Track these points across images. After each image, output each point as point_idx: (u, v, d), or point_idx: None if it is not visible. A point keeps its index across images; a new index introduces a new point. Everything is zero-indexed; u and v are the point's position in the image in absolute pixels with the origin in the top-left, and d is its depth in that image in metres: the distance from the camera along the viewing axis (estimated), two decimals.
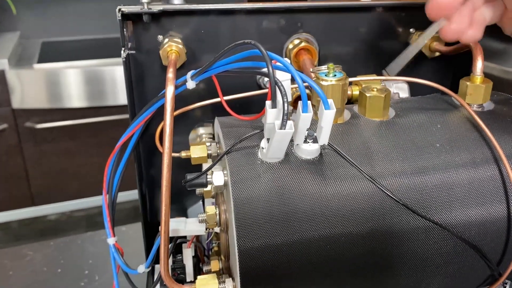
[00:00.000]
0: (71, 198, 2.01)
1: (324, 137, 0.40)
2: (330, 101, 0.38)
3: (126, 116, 2.10)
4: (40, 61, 1.84)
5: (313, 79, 0.43)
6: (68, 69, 1.80)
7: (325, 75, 0.43)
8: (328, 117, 0.38)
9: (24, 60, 1.87)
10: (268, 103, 0.37)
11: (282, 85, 0.36)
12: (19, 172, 1.89)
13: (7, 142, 1.84)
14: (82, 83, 1.83)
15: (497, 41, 2.03)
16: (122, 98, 1.87)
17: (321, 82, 0.42)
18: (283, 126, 0.36)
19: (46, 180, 1.95)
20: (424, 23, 0.56)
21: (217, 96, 0.46)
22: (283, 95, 0.36)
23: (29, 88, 1.80)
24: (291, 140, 0.40)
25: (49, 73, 1.79)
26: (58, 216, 2.06)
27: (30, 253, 0.83)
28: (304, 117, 0.37)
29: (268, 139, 0.39)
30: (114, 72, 1.83)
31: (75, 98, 1.85)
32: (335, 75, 0.43)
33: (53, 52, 1.98)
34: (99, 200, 2.04)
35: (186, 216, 0.63)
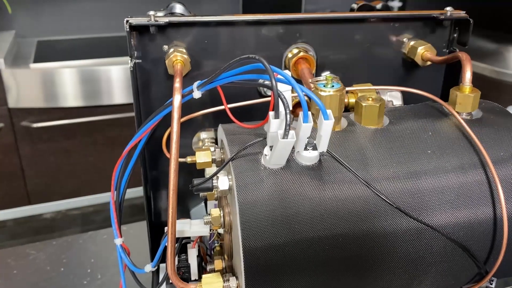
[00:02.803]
0: (67, 196, 2.03)
1: (323, 145, 0.42)
2: (329, 111, 0.40)
3: (122, 115, 2.11)
4: (36, 60, 1.84)
5: (312, 89, 0.46)
6: (64, 69, 1.82)
7: (324, 86, 0.45)
8: (327, 126, 0.40)
9: (20, 59, 1.87)
10: (271, 113, 0.40)
11: (284, 97, 0.39)
12: (15, 171, 1.90)
13: (3, 141, 1.84)
14: (78, 82, 1.85)
15: (489, 42, 2.07)
16: (117, 97, 1.89)
17: (320, 92, 0.45)
18: (285, 135, 0.38)
19: (42, 179, 1.96)
20: (415, 33, 0.59)
21: (220, 103, 0.49)
22: (286, 106, 0.38)
23: (25, 88, 1.81)
24: (292, 147, 0.42)
25: (45, 72, 1.80)
26: (54, 214, 2.07)
27: (33, 253, 0.85)
28: (305, 127, 0.40)
29: (271, 147, 0.42)
30: (110, 72, 1.85)
31: (71, 97, 1.86)
32: (333, 86, 0.45)
33: (48, 51, 1.99)
34: (95, 199, 2.07)
35: (189, 217, 0.65)
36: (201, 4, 2.27)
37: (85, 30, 2.17)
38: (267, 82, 0.40)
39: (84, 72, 1.83)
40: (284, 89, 0.43)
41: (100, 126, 1.92)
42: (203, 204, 0.65)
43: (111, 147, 1.94)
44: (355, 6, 0.68)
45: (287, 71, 0.43)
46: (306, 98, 0.41)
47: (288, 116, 0.38)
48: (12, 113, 1.82)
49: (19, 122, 1.83)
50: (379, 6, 0.67)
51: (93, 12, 2.14)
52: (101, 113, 1.91)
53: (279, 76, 0.41)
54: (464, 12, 0.58)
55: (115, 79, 1.86)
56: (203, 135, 0.61)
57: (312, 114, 0.46)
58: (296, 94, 0.41)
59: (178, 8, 0.62)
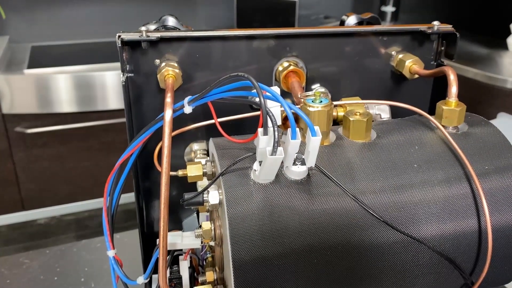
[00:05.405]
0: (61, 202, 2.03)
1: (311, 160, 0.43)
2: (317, 128, 0.41)
3: (116, 120, 2.12)
4: (30, 66, 1.84)
5: (301, 104, 0.47)
6: (58, 74, 1.82)
7: (312, 101, 0.46)
8: (314, 143, 0.41)
9: (14, 65, 1.87)
10: (260, 130, 0.41)
11: (272, 114, 0.40)
12: (9, 176, 1.90)
13: None
14: (72, 88, 1.85)
15: (481, 47, 2.09)
16: (112, 103, 1.89)
17: (308, 108, 0.46)
18: (274, 152, 0.39)
19: (36, 185, 1.96)
20: (403, 46, 0.61)
21: (211, 116, 0.50)
22: (274, 124, 0.39)
23: (19, 93, 1.81)
24: (281, 162, 0.43)
25: (39, 78, 1.80)
26: (48, 220, 2.07)
27: (27, 262, 0.86)
28: (293, 144, 0.40)
29: (260, 162, 0.43)
30: (104, 77, 1.85)
31: (65, 103, 1.86)
32: (321, 101, 0.46)
33: (43, 57, 1.99)
34: (89, 204, 2.07)
35: (181, 227, 0.66)
36: (195, 10, 2.27)
37: (79, 35, 2.17)
38: (256, 99, 0.41)
39: (79, 78, 1.83)
40: (272, 105, 0.44)
41: (94, 132, 1.93)
42: (195, 214, 0.65)
43: (106, 152, 1.95)
44: (345, 17, 0.69)
45: (276, 87, 0.44)
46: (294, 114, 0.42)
47: (276, 133, 0.39)
48: (6, 119, 1.82)
49: (13, 127, 1.83)
50: (368, 17, 0.68)
51: (87, 18, 2.14)
52: (96, 118, 1.91)
53: (267, 93, 0.42)
54: (451, 26, 0.59)
55: (110, 84, 1.87)
56: (195, 146, 0.62)
57: (301, 128, 0.47)
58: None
59: (171, 21, 0.63)
